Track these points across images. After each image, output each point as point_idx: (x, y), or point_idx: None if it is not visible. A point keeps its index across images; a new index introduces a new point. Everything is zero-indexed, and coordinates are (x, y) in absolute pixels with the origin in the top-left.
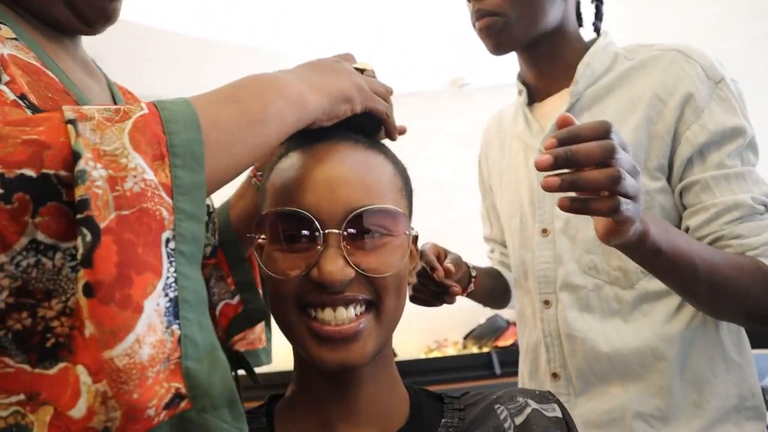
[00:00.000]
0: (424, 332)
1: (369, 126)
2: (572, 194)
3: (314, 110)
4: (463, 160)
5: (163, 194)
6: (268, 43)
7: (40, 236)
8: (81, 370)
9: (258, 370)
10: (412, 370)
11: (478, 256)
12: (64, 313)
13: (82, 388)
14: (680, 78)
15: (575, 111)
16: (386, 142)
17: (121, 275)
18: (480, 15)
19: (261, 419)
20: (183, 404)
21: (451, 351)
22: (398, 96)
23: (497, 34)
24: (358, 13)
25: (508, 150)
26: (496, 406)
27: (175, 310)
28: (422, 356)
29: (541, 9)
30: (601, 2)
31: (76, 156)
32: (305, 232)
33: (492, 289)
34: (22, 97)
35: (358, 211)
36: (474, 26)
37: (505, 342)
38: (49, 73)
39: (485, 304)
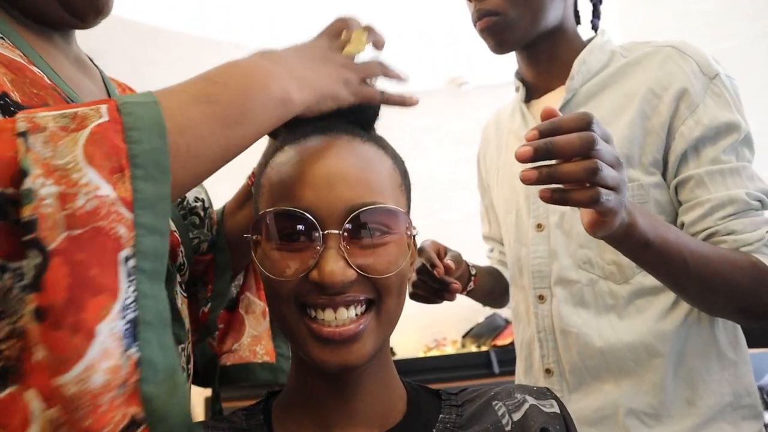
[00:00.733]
0: (423, 331)
1: (365, 115)
2: (555, 186)
3: (297, 108)
4: (460, 159)
5: (122, 210)
6: (267, 44)
7: None
8: (32, 395)
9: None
10: (410, 368)
11: (475, 255)
12: (13, 335)
13: (34, 413)
14: (675, 73)
15: (571, 107)
16: (385, 135)
17: (72, 299)
18: (481, 15)
19: (259, 416)
20: (140, 430)
21: (449, 350)
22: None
23: (498, 33)
24: (357, 13)
25: (504, 147)
26: (494, 403)
27: (134, 331)
28: (421, 355)
29: (541, 8)
30: (599, 1)
31: (23, 173)
32: (303, 230)
33: (492, 288)
34: (3, 95)
35: (359, 211)
36: (475, 26)
37: (503, 341)
38: (35, 69)
39: (485, 303)
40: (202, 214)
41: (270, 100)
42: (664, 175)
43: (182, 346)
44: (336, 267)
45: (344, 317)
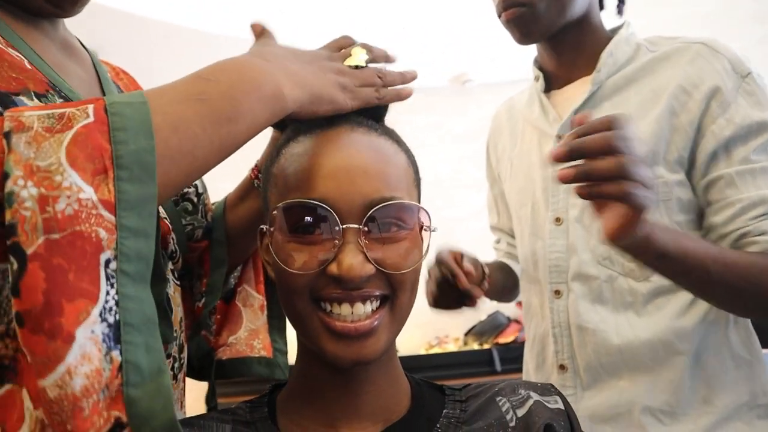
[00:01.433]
0: (425, 328)
1: (376, 111)
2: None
3: (290, 106)
4: (463, 157)
5: (104, 212)
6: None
7: None
8: (25, 395)
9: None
10: (412, 365)
11: (477, 252)
12: (8, 334)
13: (26, 413)
14: (706, 71)
15: (595, 100)
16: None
17: (49, 303)
18: (507, 5)
19: (263, 408)
20: None
21: (451, 347)
22: None
23: (525, 25)
24: (359, 10)
25: (520, 137)
26: (498, 398)
27: (116, 334)
28: (423, 352)
29: None
30: None
31: (5, 176)
32: (322, 223)
33: (504, 284)
34: None
35: (380, 206)
36: (500, 17)
37: (505, 339)
38: (14, 53)
39: (493, 298)
40: (195, 200)
41: (262, 96)
42: (689, 173)
43: (174, 336)
44: (355, 261)
45: (361, 312)
